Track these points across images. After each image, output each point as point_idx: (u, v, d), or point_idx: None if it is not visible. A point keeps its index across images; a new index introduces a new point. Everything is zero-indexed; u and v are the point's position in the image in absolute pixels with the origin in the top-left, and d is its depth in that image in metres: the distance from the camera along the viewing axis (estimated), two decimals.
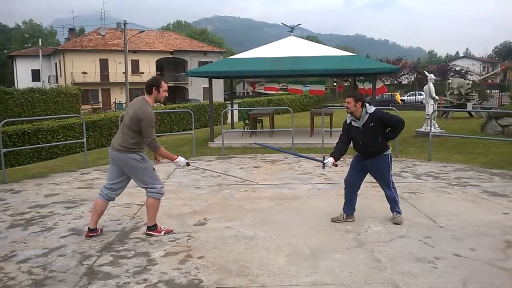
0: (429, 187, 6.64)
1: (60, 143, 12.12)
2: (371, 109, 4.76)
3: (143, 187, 4.58)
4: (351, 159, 5.15)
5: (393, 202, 5.01)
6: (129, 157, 4.39)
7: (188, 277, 3.65)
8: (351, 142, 4.93)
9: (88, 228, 4.68)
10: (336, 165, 4.87)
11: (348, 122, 4.91)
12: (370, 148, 4.80)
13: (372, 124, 4.70)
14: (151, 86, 4.45)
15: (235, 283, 3.52)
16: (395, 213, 5.01)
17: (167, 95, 4.56)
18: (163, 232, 4.69)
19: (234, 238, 4.57)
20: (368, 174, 5.04)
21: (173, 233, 4.71)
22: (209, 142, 12.09)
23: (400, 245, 4.31)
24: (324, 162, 4.83)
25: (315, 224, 4.93)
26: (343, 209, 5.07)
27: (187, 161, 4.66)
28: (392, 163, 5.01)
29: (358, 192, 5.10)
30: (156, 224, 4.72)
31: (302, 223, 5.02)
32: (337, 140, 5.01)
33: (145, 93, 4.51)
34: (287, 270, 3.75)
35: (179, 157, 4.58)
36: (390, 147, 4.96)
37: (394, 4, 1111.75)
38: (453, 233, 4.63)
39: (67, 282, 3.59)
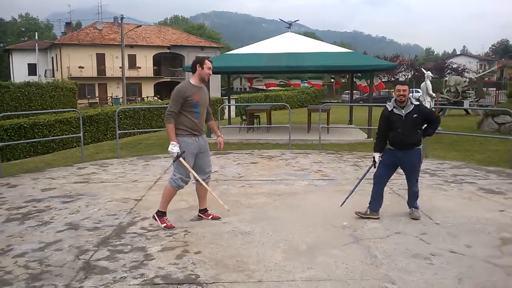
0: (425, 184, 6.66)
1: (56, 137, 12.08)
2: (414, 100, 4.85)
3: None
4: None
5: (415, 198, 5.07)
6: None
7: (185, 272, 3.66)
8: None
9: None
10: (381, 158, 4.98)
11: (389, 110, 4.87)
12: (407, 139, 4.77)
13: (416, 115, 4.73)
14: (195, 63, 4.63)
15: (231, 278, 3.53)
16: (413, 208, 5.05)
17: (211, 73, 4.67)
18: (164, 225, 4.70)
19: (231, 233, 4.58)
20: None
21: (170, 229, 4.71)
22: None
23: (396, 241, 4.33)
24: (375, 162, 4.98)
25: (312, 220, 4.94)
26: (368, 205, 5.06)
27: (179, 152, 4.51)
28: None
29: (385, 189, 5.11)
30: (165, 213, 4.77)
31: (298, 219, 5.04)
32: (376, 132, 5.06)
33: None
34: (283, 266, 3.76)
35: (175, 146, 4.48)
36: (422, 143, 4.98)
37: (392, 1, 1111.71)
38: (449, 229, 4.66)
39: (63, 276, 3.59)
